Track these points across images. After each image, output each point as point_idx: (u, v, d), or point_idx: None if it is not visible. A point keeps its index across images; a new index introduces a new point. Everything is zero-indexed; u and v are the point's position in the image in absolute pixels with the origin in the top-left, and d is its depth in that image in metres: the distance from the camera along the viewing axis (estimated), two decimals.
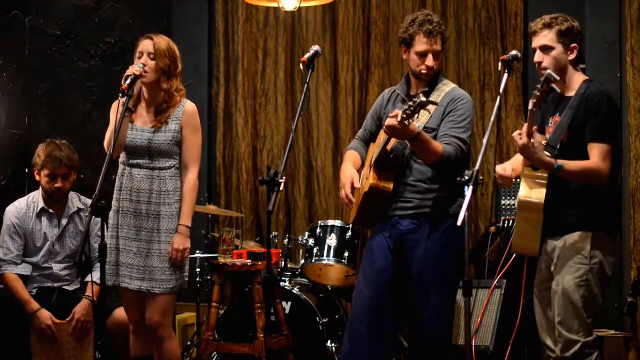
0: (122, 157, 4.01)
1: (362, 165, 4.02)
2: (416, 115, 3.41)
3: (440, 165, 3.63)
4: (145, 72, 3.88)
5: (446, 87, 3.80)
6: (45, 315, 4.36)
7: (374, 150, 3.83)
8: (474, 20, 5.82)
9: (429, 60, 3.76)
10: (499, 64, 3.51)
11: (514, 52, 3.51)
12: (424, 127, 3.67)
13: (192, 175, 3.99)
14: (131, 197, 3.95)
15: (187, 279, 4.05)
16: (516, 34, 5.66)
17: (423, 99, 3.32)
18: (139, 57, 3.94)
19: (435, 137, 3.68)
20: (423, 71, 3.79)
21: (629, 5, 5.02)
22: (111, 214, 3.99)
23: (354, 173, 3.89)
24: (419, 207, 3.74)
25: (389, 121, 3.46)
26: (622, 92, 5.18)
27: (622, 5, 5.11)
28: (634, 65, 5.02)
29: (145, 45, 3.94)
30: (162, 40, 3.97)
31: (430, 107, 3.45)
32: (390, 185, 3.71)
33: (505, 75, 3.45)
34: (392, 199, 3.75)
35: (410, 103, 3.34)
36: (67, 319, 4.40)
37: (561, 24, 3.60)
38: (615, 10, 5.23)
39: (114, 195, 4.00)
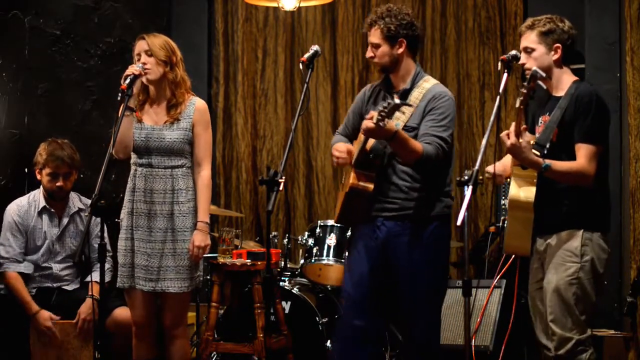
0: (133, 157, 4.00)
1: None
2: (391, 117, 3.39)
3: (420, 164, 3.59)
4: (147, 69, 3.89)
5: (427, 84, 3.73)
6: (45, 316, 4.34)
7: (356, 148, 3.80)
8: (474, 20, 5.83)
9: (367, 51, 3.77)
10: (499, 63, 3.51)
11: (513, 52, 3.50)
12: (405, 126, 3.63)
13: (205, 172, 3.99)
14: (145, 198, 3.94)
15: (202, 277, 4.04)
16: (516, 34, 5.66)
17: (397, 101, 3.28)
18: (138, 59, 3.94)
19: (416, 136, 3.62)
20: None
21: (628, 5, 5.02)
22: (124, 215, 3.98)
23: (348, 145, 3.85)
24: (402, 208, 3.68)
25: (365, 123, 3.44)
26: (622, 92, 5.18)
27: (622, 5, 5.12)
28: (634, 65, 5.02)
29: (141, 45, 3.95)
30: (156, 37, 3.98)
31: (406, 108, 3.43)
32: (371, 186, 3.65)
33: (505, 75, 3.45)
34: (376, 199, 3.70)
35: (385, 105, 3.30)
36: (74, 320, 4.38)
37: (543, 25, 3.59)
38: (615, 10, 5.23)
39: (127, 197, 3.99)
